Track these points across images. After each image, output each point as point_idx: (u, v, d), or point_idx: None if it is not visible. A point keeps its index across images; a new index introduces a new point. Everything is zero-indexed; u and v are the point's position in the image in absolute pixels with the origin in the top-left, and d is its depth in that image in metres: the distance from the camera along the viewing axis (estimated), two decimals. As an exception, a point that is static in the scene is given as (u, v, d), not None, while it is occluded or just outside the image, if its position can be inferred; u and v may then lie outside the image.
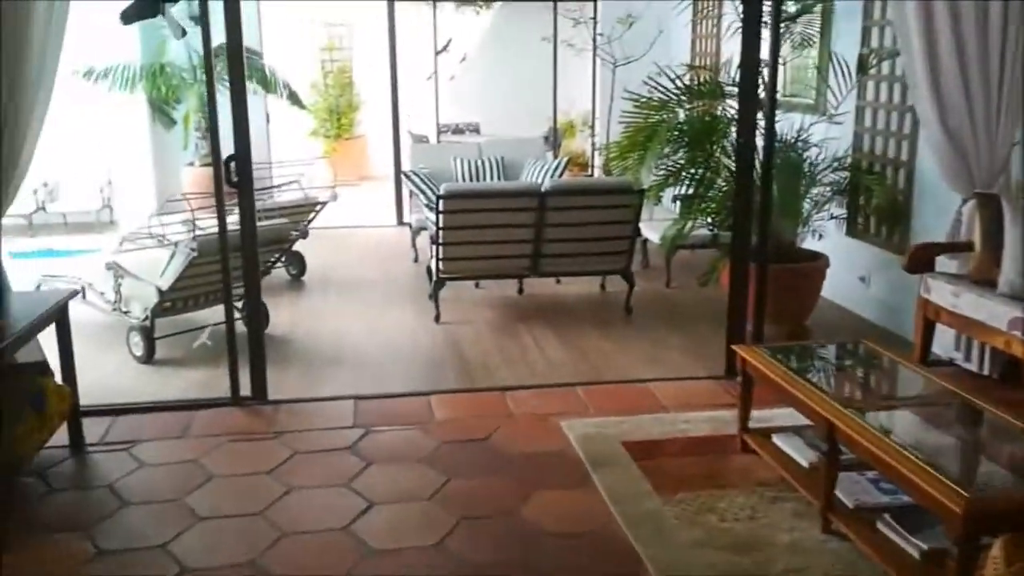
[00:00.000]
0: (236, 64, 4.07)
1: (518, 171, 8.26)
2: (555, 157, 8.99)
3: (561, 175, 8.10)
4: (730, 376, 4.69)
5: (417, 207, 7.94)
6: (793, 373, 3.61)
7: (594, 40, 9.33)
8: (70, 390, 3.94)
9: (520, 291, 6.74)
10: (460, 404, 4.52)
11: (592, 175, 9.88)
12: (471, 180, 8.14)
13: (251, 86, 8.35)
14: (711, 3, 8.48)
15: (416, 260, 7.68)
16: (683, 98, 5.78)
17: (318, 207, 7.11)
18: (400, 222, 9.35)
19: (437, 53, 10.13)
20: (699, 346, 5.48)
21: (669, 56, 8.95)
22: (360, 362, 5.24)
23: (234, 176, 4.10)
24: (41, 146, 3.90)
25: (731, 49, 5.88)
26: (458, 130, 11.83)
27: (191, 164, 8.58)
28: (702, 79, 6.27)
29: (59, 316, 3.88)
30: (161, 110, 8.50)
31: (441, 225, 5.85)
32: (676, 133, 5.65)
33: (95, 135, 8.47)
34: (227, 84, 4.01)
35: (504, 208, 5.88)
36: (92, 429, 4.14)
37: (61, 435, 3.95)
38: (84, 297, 5.63)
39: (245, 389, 4.44)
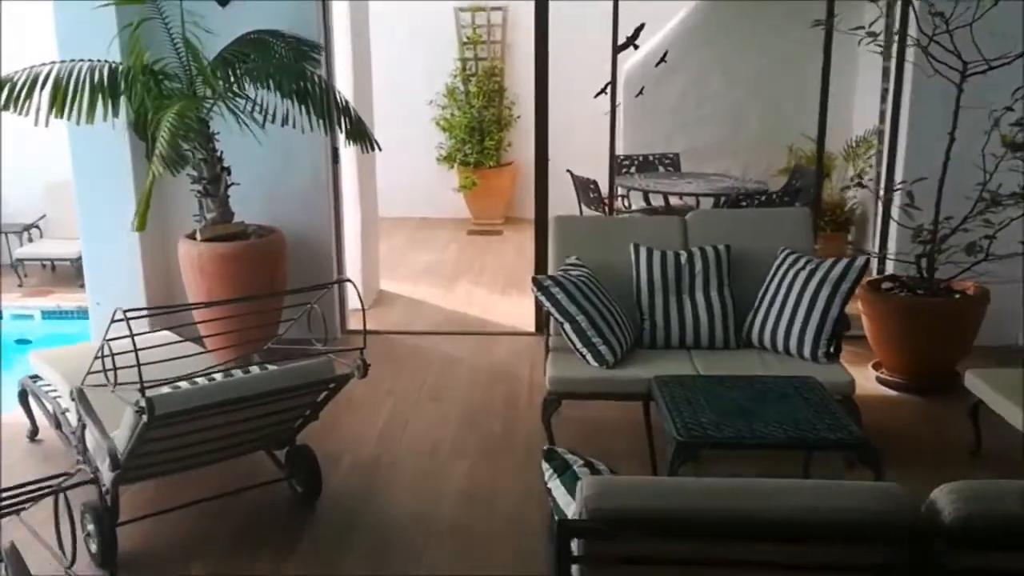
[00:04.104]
0: None
1: (757, 278, 4.25)
2: (814, 223, 4.83)
3: (852, 289, 4.00)
4: None
5: (559, 338, 4.10)
6: None
7: (903, 24, 5.02)
8: None
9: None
10: None
11: (881, 267, 5.52)
12: (664, 296, 4.19)
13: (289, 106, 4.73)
14: None
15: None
16: None
17: (329, 387, 3.31)
18: (539, 328, 5.57)
19: (617, 50, 6.07)
20: None
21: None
22: None
23: None
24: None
25: None
26: (647, 164, 7.79)
27: (191, 236, 5.06)
28: None
29: None
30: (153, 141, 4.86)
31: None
32: None
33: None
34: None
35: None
36: None
37: None
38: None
39: None
